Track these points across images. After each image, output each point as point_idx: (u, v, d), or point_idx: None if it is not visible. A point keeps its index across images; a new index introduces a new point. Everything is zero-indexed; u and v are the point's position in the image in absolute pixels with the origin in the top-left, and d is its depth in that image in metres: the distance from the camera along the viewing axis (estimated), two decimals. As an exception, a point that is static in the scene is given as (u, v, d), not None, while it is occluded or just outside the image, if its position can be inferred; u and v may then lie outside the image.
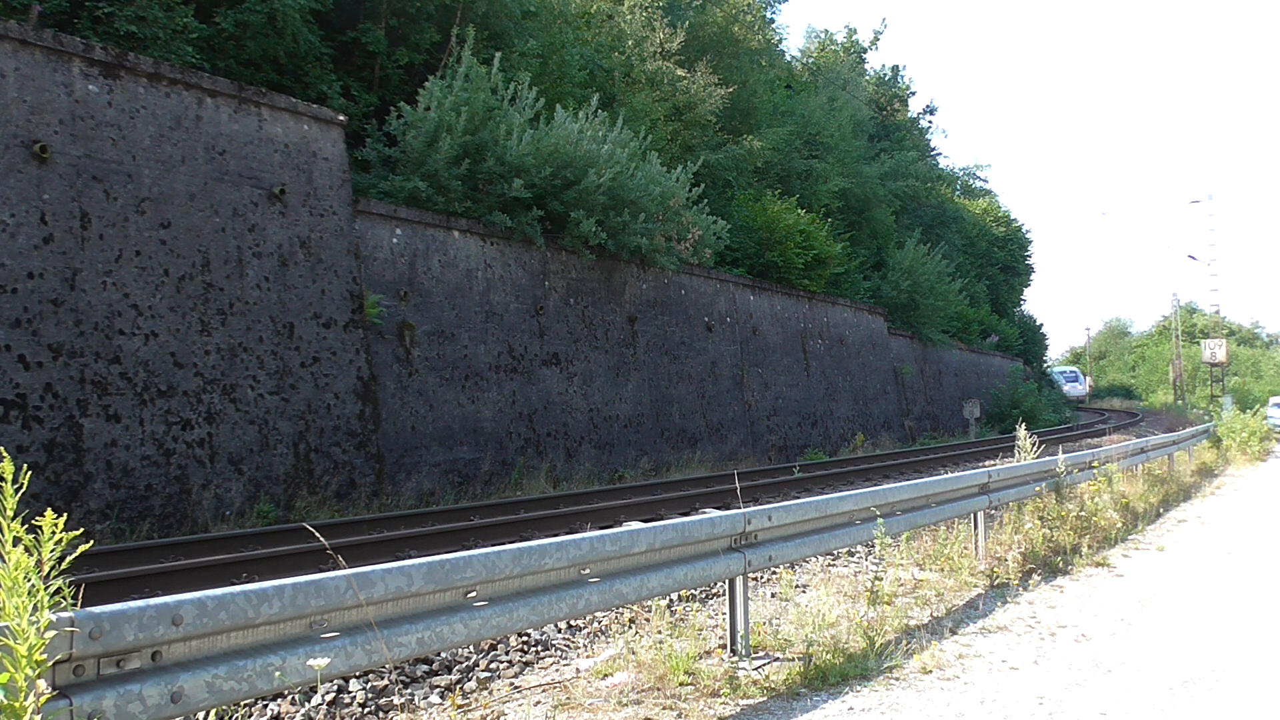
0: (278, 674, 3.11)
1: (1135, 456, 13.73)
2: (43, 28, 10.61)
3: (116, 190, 10.68)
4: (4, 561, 2.48)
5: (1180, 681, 4.94)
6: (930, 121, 56.86)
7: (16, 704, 2.39)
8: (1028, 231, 56.79)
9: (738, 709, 4.49)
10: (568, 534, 9.58)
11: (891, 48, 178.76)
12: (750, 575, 5.58)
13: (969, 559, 7.81)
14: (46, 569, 2.55)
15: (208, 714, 3.85)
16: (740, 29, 30.65)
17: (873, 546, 6.64)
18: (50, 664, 2.53)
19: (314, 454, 12.22)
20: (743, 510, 5.43)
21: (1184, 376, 61.77)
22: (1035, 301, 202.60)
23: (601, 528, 10.17)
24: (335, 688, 4.87)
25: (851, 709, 4.50)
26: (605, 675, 4.93)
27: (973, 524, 8.32)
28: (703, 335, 21.36)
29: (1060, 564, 8.17)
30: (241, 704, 4.41)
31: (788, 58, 43.63)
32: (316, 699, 4.73)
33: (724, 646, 5.39)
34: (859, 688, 4.81)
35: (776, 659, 5.25)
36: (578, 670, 5.20)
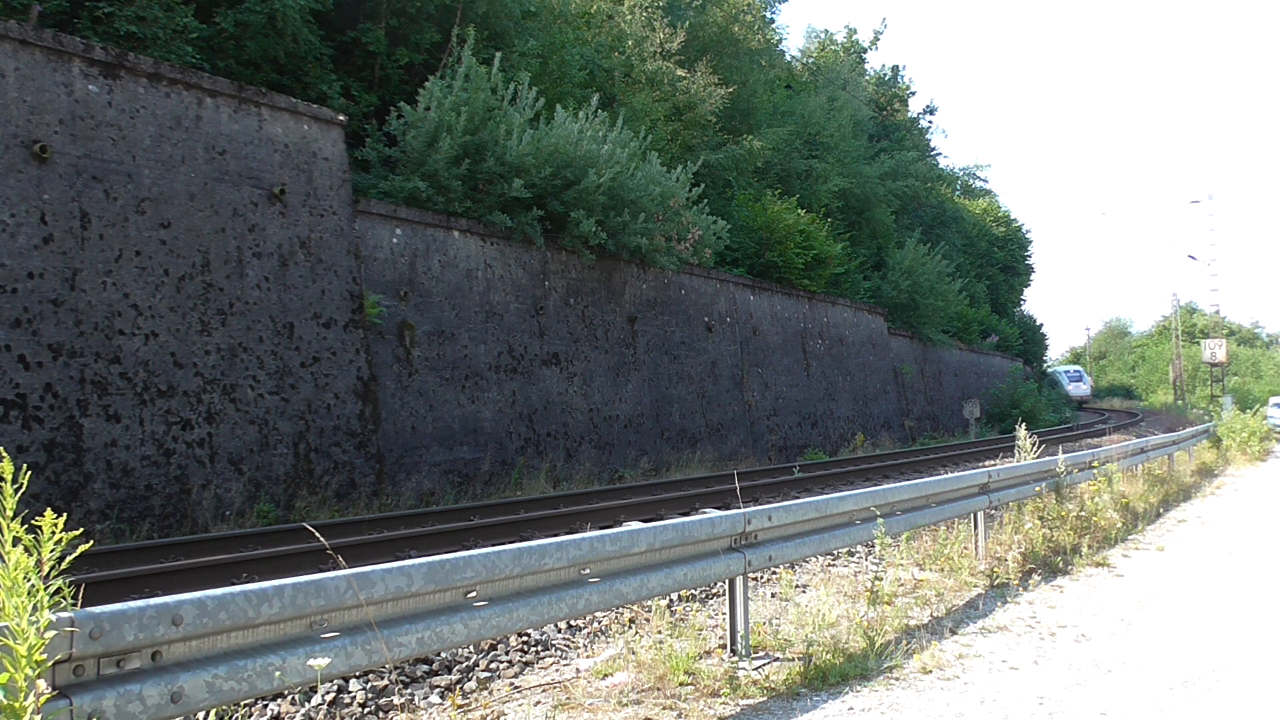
0: (278, 674, 3.11)
1: (1135, 456, 13.73)
2: (43, 28, 10.61)
3: (116, 190, 10.68)
4: (4, 561, 2.48)
5: (1180, 681, 4.94)
6: (930, 121, 56.89)
7: (16, 704, 2.39)
8: (1028, 231, 56.84)
9: (738, 709, 4.49)
10: (568, 534, 9.58)
11: (891, 48, 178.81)
12: (750, 575, 5.58)
13: (969, 559, 7.81)
14: (46, 569, 2.55)
15: (208, 714, 3.85)
16: (740, 29, 30.65)
17: (873, 546, 6.64)
18: (50, 664, 2.53)
19: (314, 454, 12.22)
20: (743, 510, 5.43)
21: (1184, 376, 61.78)
22: (1035, 301, 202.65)
23: (601, 528, 10.17)
24: (335, 688, 4.87)
25: (851, 709, 4.50)
26: (605, 675, 4.93)
27: (973, 524, 8.32)
28: (703, 335, 21.36)
29: (1060, 564, 8.17)
30: (241, 704, 4.41)
31: (788, 58, 43.62)
32: (316, 699, 4.73)
33: (724, 646, 5.39)
34: (859, 688, 4.81)
35: (776, 659, 5.25)
36: (578, 670, 5.20)
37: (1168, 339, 74.54)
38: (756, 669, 5.06)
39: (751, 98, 30.57)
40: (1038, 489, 9.07)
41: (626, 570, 4.71)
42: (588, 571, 4.52)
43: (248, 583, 4.44)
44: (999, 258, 52.83)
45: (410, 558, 5.52)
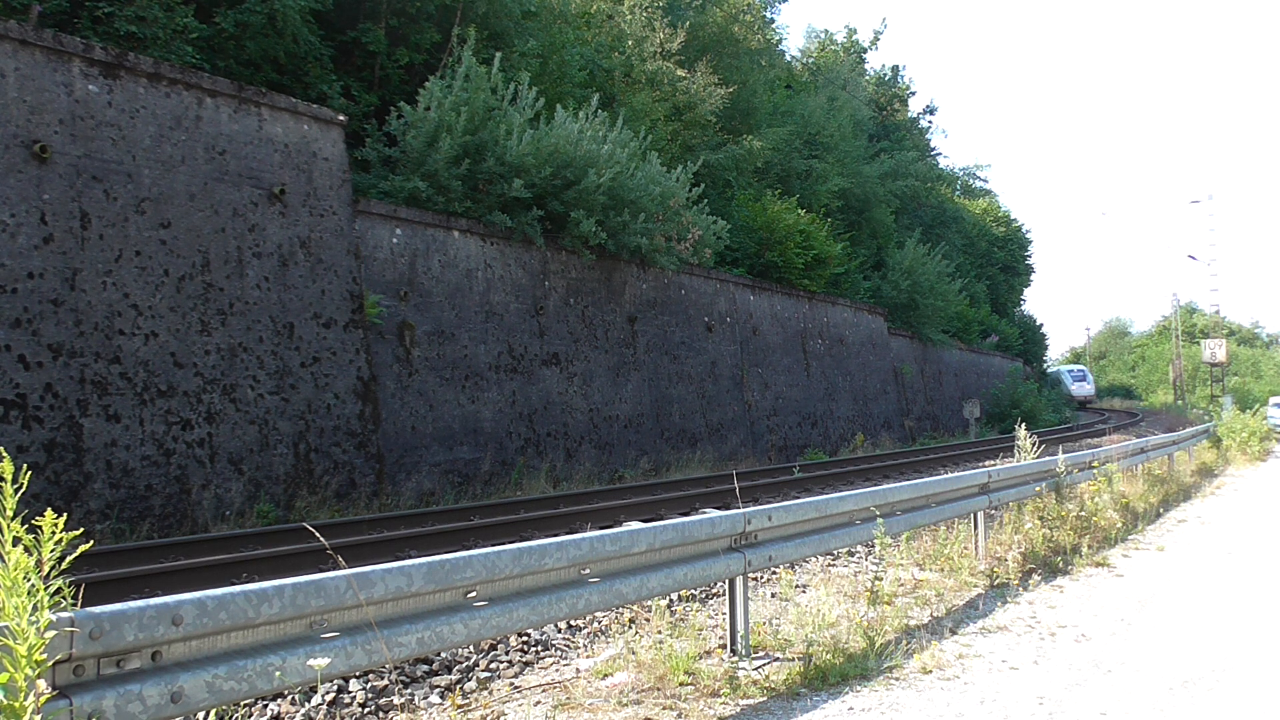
0: (278, 674, 3.11)
1: (1135, 456, 13.73)
2: (43, 28, 10.61)
3: (116, 190, 10.68)
4: (4, 561, 2.48)
5: (1180, 681, 4.94)
6: (930, 121, 56.91)
7: (16, 704, 2.39)
8: (1028, 231, 56.82)
9: (738, 709, 4.49)
10: (568, 534, 9.58)
11: (891, 48, 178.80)
12: (750, 575, 5.59)
13: (969, 559, 7.81)
14: (46, 569, 2.55)
15: (208, 714, 3.85)
16: (740, 29, 30.65)
17: (873, 546, 6.64)
18: (50, 664, 2.53)
19: (314, 454, 12.22)
20: (743, 510, 5.43)
21: (1184, 376, 61.78)
22: (1035, 301, 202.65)
23: (601, 528, 10.17)
24: (335, 688, 4.87)
25: (851, 709, 4.50)
26: (605, 675, 4.93)
27: (973, 524, 8.32)
28: (703, 335, 21.36)
29: (1060, 564, 8.17)
30: (241, 704, 4.41)
31: (788, 58, 43.63)
32: (316, 699, 4.74)
33: (724, 646, 5.39)
34: (859, 688, 4.81)
35: (776, 659, 5.25)
36: (578, 670, 5.20)
37: (1168, 339, 74.55)
38: (756, 669, 5.06)
39: (751, 98, 30.56)
40: (1038, 489, 9.07)
41: (626, 570, 4.71)
42: (588, 571, 4.52)
43: (248, 583, 4.44)
44: (999, 258, 52.83)
45: (410, 558, 5.52)
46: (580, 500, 13.06)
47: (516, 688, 4.95)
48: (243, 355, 11.69)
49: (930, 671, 5.10)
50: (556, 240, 17.08)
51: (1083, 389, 60.54)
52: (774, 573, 7.79)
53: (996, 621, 6.28)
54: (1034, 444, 10.16)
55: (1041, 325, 60.71)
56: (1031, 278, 58.22)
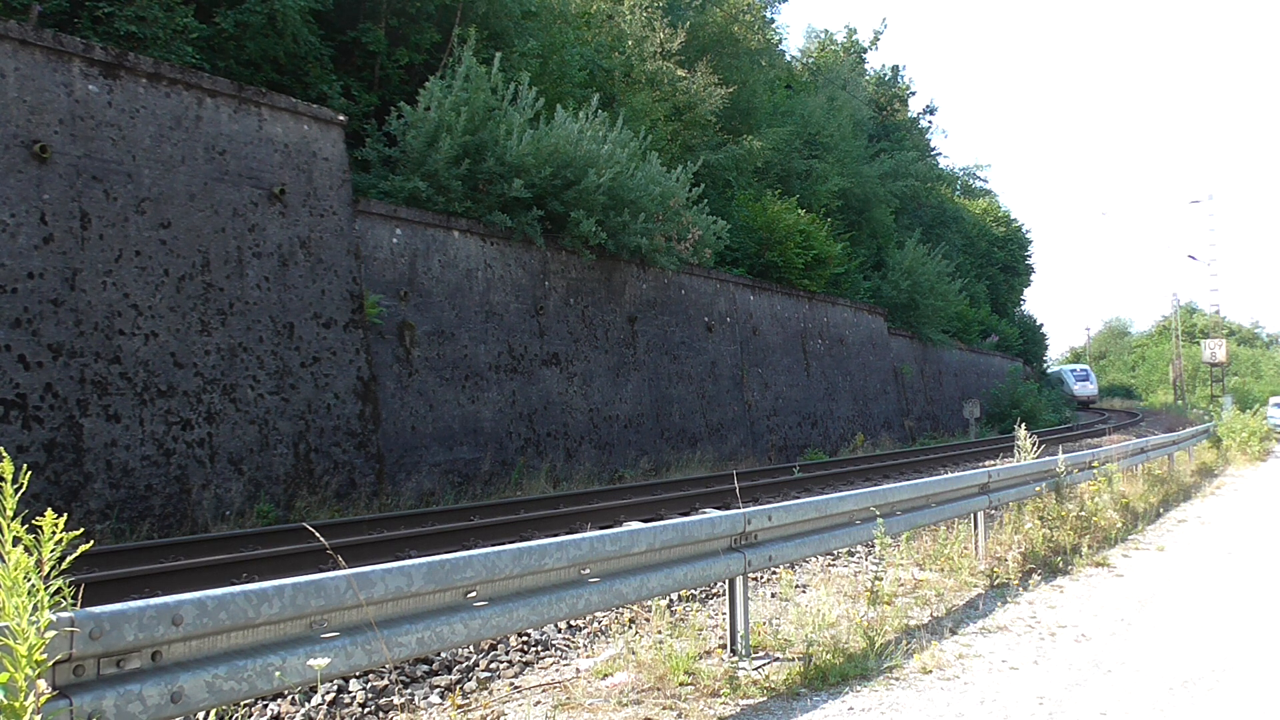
0: (278, 674, 3.11)
1: (1135, 456, 13.73)
2: (43, 28, 10.61)
3: (116, 190, 10.68)
4: (4, 561, 2.48)
5: (1180, 681, 4.94)
6: (930, 121, 56.91)
7: (16, 704, 2.39)
8: (1028, 231, 56.82)
9: (738, 709, 4.49)
10: (568, 534, 9.58)
11: (891, 48, 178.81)
12: (750, 575, 5.59)
13: (969, 559, 7.81)
14: (46, 569, 2.55)
15: (208, 714, 3.85)
16: (740, 29, 30.65)
17: (873, 546, 6.64)
18: (50, 664, 2.53)
19: (314, 454, 12.22)
20: (743, 510, 5.43)
21: (1184, 376, 61.78)
22: (1035, 301, 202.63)
23: (601, 528, 10.17)
24: (335, 688, 4.87)
25: (851, 709, 4.50)
26: (605, 675, 4.93)
27: (973, 524, 8.32)
28: (703, 335, 21.36)
29: (1060, 564, 8.17)
30: (241, 704, 4.41)
31: (788, 58, 43.64)
32: (316, 699, 4.74)
33: (724, 646, 5.39)
34: (859, 688, 4.81)
35: (776, 659, 5.25)
36: (578, 670, 5.20)
37: (1168, 339, 74.55)
38: (756, 669, 5.06)
39: (751, 98, 30.57)
40: (1038, 489, 9.07)
41: (626, 570, 4.71)
42: (588, 571, 4.52)
43: (248, 583, 4.44)
44: (999, 258, 52.83)
45: (410, 558, 5.52)
46: (580, 500, 13.06)
47: (516, 688, 4.95)
48: (243, 355, 11.69)
49: (930, 671, 5.10)
50: (556, 240, 17.08)
51: (1086, 389, 60.15)
52: (774, 573, 7.79)
53: (996, 621, 6.28)
54: (1034, 444, 10.16)
55: (1041, 325, 60.72)
56: (1031, 278, 58.23)
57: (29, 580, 2.46)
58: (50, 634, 2.47)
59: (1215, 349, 55.18)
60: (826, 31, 48.41)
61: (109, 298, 10.43)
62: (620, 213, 17.35)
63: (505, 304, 16.15)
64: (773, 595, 7.08)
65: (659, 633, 5.32)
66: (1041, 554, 8.24)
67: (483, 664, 5.41)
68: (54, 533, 2.57)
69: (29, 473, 2.94)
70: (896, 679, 4.97)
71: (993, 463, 14.70)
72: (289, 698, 4.74)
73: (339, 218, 13.34)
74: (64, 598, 2.66)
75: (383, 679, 5.03)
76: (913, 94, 62.24)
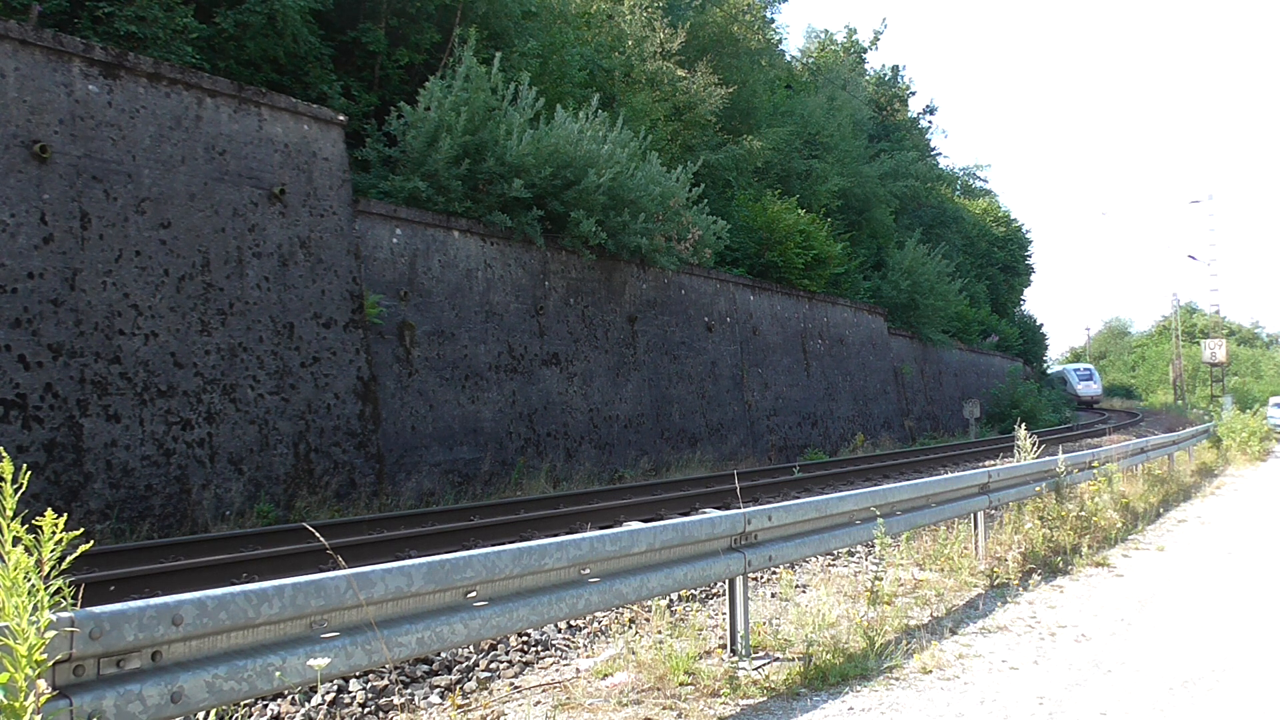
0: (278, 674, 3.11)
1: (1135, 456, 13.73)
2: (43, 28, 10.61)
3: (116, 190, 10.68)
4: (4, 561, 2.48)
5: (1180, 681, 4.94)
6: (930, 121, 56.92)
7: (16, 704, 2.39)
8: (1028, 231, 56.82)
9: (738, 709, 4.49)
10: (568, 534, 9.58)
11: (891, 48, 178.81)
12: (750, 575, 5.58)
13: (969, 559, 7.81)
14: (46, 569, 2.55)
15: (208, 714, 3.85)
16: (740, 29, 30.65)
17: (873, 546, 6.64)
18: (50, 664, 2.53)
19: (314, 454, 12.22)
20: (743, 510, 5.43)
21: (1184, 376, 61.77)
22: (1035, 301, 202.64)
23: (601, 528, 10.17)
24: (335, 688, 4.87)
25: (851, 709, 4.50)
26: (605, 675, 4.93)
27: (973, 524, 8.32)
28: (703, 335, 21.37)
29: (1060, 564, 8.17)
30: (241, 704, 4.41)
31: (788, 58, 43.64)
32: (316, 699, 4.74)
33: (724, 646, 5.39)
34: (859, 688, 4.81)
35: (776, 659, 5.25)
36: (578, 670, 5.20)
37: (1168, 339, 74.55)
38: (756, 669, 5.06)
39: (751, 98, 30.57)
40: (1038, 489, 9.07)
41: (626, 570, 4.71)
42: (588, 571, 4.52)
43: (248, 583, 4.44)
44: (999, 258, 52.83)
45: (410, 558, 5.52)
46: (580, 500, 13.06)
47: (516, 688, 4.95)
48: (243, 355, 11.69)
49: (930, 671, 5.10)
50: (556, 240, 17.08)
51: (1089, 389, 59.78)
52: (774, 573, 7.79)
53: (996, 621, 6.28)
54: (1034, 444, 10.16)
55: (1041, 325, 60.73)
56: (1031, 278, 58.23)
57: (29, 580, 2.46)
58: (50, 634, 2.47)
59: (1215, 349, 55.18)
60: (826, 31, 48.47)
61: (109, 298, 10.43)
62: (620, 213, 17.36)
63: (505, 304, 16.15)
64: (773, 595, 7.08)
65: (659, 633, 5.32)
66: (1041, 554, 8.24)
67: (483, 664, 5.41)
68: (54, 533, 2.57)
69: (29, 473, 2.94)
70: (896, 679, 4.97)
71: (993, 463, 14.70)
72: (289, 698, 4.74)
73: (339, 218, 13.34)
74: (64, 598, 2.66)
75: (383, 679, 5.03)
76: (913, 94, 62.31)
